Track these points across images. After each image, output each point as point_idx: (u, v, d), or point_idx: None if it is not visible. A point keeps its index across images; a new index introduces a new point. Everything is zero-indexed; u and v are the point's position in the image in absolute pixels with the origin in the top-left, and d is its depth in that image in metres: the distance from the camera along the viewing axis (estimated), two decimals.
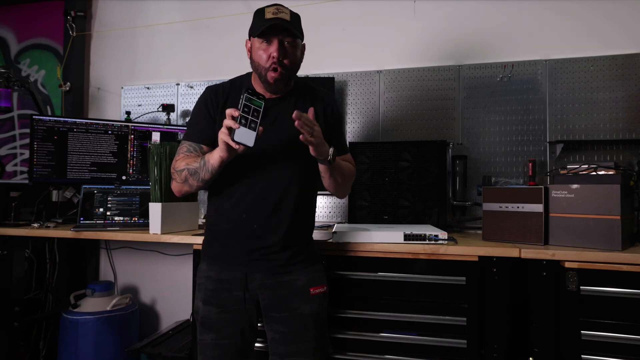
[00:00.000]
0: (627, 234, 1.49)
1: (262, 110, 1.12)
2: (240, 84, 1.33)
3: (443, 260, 1.53)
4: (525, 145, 2.14)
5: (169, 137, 2.41)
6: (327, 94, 1.42)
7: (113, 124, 2.32)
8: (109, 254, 2.70)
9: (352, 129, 2.38)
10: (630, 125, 2.02)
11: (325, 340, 1.36)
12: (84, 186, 2.08)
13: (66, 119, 2.24)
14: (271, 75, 1.23)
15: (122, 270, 2.71)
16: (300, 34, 1.25)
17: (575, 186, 1.52)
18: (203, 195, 2.24)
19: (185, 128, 2.00)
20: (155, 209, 1.81)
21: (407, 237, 1.55)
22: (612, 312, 1.40)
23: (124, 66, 2.80)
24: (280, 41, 1.21)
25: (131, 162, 2.35)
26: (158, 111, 2.61)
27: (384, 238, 1.57)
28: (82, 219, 2.04)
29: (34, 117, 2.18)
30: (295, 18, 1.26)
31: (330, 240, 1.60)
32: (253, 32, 1.24)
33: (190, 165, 1.23)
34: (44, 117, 2.20)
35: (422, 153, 1.96)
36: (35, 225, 2.08)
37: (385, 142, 2.11)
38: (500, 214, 1.65)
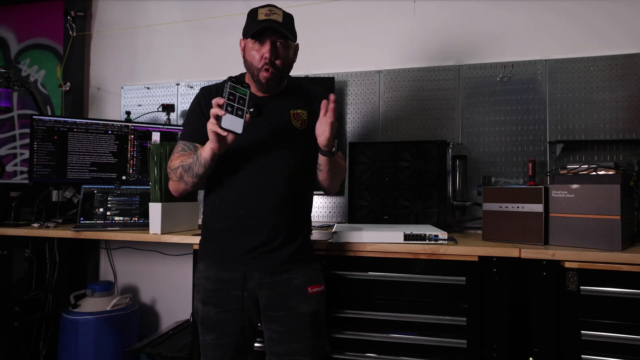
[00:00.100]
0: (627, 234, 1.49)
1: (247, 98, 1.14)
2: None
3: (443, 260, 1.53)
4: (525, 145, 2.14)
5: (169, 137, 2.41)
6: (321, 92, 1.43)
7: (113, 124, 2.32)
8: (109, 254, 2.70)
9: (352, 129, 2.38)
10: (630, 125, 2.02)
11: (323, 339, 1.36)
12: (84, 186, 2.08)
13: (66, 119, 2.24)
14: (263, 75, 1.25)
15: (122, 270, 2.71)
16: (292, 35, 1.27)
17: (575, 186, 1.52)
18: (203, 195, 2.24)
19: None
20: (155, 209, 1.81)
21: (407, 237, 1.55)
22: (612, 312, 1.40)
23: (124, 66, 2.80)
24: (272, 42, 1.23)
25: (131, 162, 2.35)
26: (158, 111, 2.61)
27: (384, 238, 1.57)
28: (82, 219, 2.04)
29: (34, 117, 2.18)
30: (288, 19, 1.27)
31: (330, 240, 1.60)
32: (246, 33, 1.26)
33: (185, 162, 1.25)
34: (44, 117, 2.20)
35: (422, 153, 1.96)
36: (35, 225, 2.08)
37: (385, 142, 2.11)
38: (500, 214, 1.65)
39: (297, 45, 1.33)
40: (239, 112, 1.12)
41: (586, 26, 2.11)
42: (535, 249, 1.47)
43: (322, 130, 1.24)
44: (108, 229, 1.99)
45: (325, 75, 2.35)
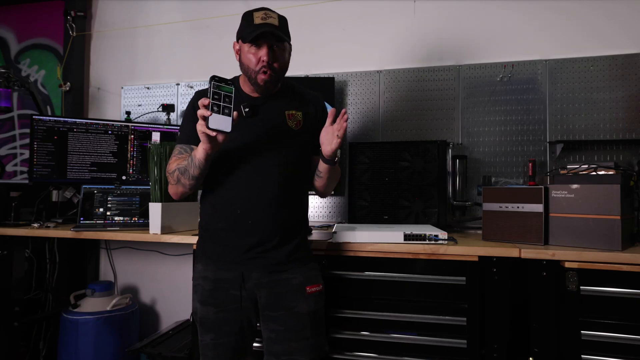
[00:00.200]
0: (627, 234, 1.49)
1: (233, 95, 1.14)
2: None
3: (443, 260, 1.53)
4: (525, 145, 2.14)
5: (169, 137, 2.41)
6: (315, 95, 1.45)
7: (113, 124, 2.32)
8: (109, 254, 2.70)
9: (352, 129, 2.38)
10: (630, 125, 2.02)
11: (322, 339, 1.36)
12: (84, 186, 2.08)
13: (66, 119, 2.24)
14: (261, 77, 1.26)
15: (122, 270, 2.71)
16: (288, 38, 1.29)
17: (575, 186, 1.52)
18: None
19: None
20: (155, 209, 1.81)
21: (407, 237, 1.55)
22: (612, 312, 1.40)
23: (124, 66, 2.80)
24: (269, 46, 1.25)
25: (131, 162, 2.35)
26: (158, 111, 2.61)
27: (384, 238, 1.57)
28: (82, 219, 2.04)
29: (34, 117, 2.18)
30: (283, 22, 1.29)
31: (330, 240, 1.60)
32: (243, 38, 1.27)
33: (181, 164, 1.26)
34: (44, 117, 2.20)
35: (422, 153, 1.96)
36: (35, 225, 2.08)
37: (385, 142, 2.11)
38: (500, 214, 1.65)
39: (291, 46, 1.35)
40: (226, 111, 1.12)
41: (586, 26, 2.11)
42: (535, 249, 1.47)
43: (329, 140, 1.26)
44: (108, 229, 1.99)
45: (325, 75, 2.35)
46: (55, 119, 2.22)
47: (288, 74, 1.36)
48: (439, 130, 2.26)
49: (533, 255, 1.45)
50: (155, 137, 2.40)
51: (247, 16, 1.27)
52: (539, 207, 1.58)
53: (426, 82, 2.29)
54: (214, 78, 1.13)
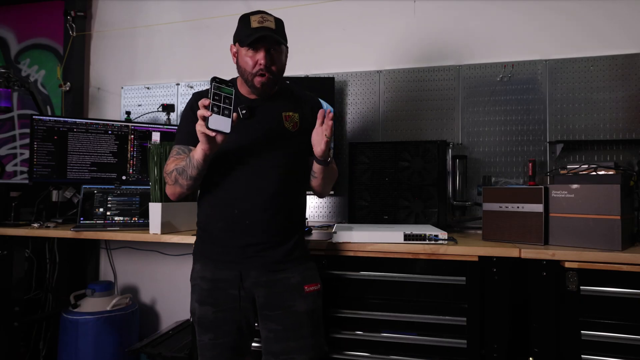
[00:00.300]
0: (627, 234, 1.49)
1: (233, 97, 1.15)
2: None
3: (443, 260, 1.53)
4: (525, 145, 2.14)
5: (169, 137, 2.41)
6: (311, 96, 1.46)
7: (113, 124, 2.32)
8: (109, 254, 2.70)
9: (352, 129, 2.38)
10: (630, 125, 2.02)
11: (320, 338, 1.36)
12: (84, 186, 2.08)
13: (66, 119, 2.24)
14: (258, 80, 1.27)
15: (122, 270, 2.71)
16: (285, 41, 1.30)
17: (575, 186, 1.52)
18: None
19: None
20: (155, 209, 1.81)
21: (407, 237, 1.55)
22: (612, 312, 1.40)
23: (124, 66, 2.80)
24: (267, 49, 1.25)
25: (131, 162, 2.35)
26: (158, 111, 2.61)
27: (384, 238, 1.57)
28: (82, 219, 2.04)
29: (34, 117, 2.18)
30: (280, 24, 1.29)
31: (330, 240, 1.60)
32: (240, 42, 1.27)
33: (179, 165, 1.26)
34: (44, 117, 2.20)
35: (422, 153, 1.96)
36: (35, 225, 2.08)
37: (385, 142, 2.11)
38: (500, 214, 1.65)
39: (288, 48, 1.35)
40: (226, 112, 1.13)
41: (586, 26, 2.11)
42: (535, 249, 1.47)
43: (318, 141, 1.27)
44: (108, 229, 1.99)
45: (325, 75, 2.35)
46: (55, 119, 2.22)
47: (288, 74, 1.37)
48: (439, 130, 2.26)
49: (533, 255, 1.45)
50: (155, 137, 2.40)
51: (244, 19, 1.28)
52: (539, 207, 1.58)
53: (426, 82, 2.29)
54: (214, 79, 1.13)
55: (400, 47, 2.35)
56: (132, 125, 2.36)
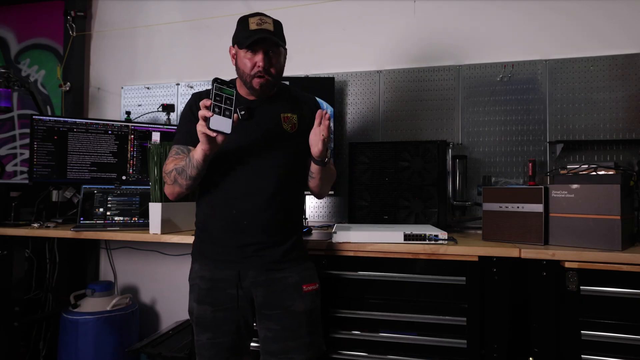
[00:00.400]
0: (627, 234, 1.49)
1: (234, 98, 1.16)
2: None
3: (443, 260, 1.53)
4: (525, 145, 2.13)
5: (169, 137, 2.41)
6: (310, 97, 1.47)
7: (113, 124, 2.32)
8: (109, 254, 2.70)
9: (352, 129, 2.38)
10: (630, 125, 2.02)
11: (319, 337, 1.37)
12: (84, 186, 2.08)
13: (66, 119, 2.24)
14: (257, 81, 1.28)
15: (122, 270, 2.71)
16: (283, 43, 1.30)
17: (575, 186, 1.52)
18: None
19: None
20: (155, 209, 1.81)
21: (407, 237, 1.55)
22: (612, 312, 1.40)
23: (124, 66, 2.80)
24: (265, 51, 1.26)
25: (131, 162, 2.35)
26: (158, 111, 2.61)
27: (383, 238, 1.57)
28: (82, 219, 2.04)
29: (34, 117, 2.18)
30: (278, 26, 1.30)
31: (330, 241, 1.60)
32: (239, 44, 1.28)
33: (178, 165, 1.27)
34: (44, 117, 2.20)
35: (422, 153, 1.96)
36: (35, 225, 2.08)
37: (385, 142, 2.11)
38: (500, 214, 1.65)
39: (286, 50, 1.35)
40: (227, 113, 1.13)
41: (586, 26, 2.11)
42: (535, 249, 1.47)
43: (316, 141, 1.28)
44: (108, 229, 1.99)
45: (325, 75, 2.35)
46: (55, 119, 2.22)
47: (288, 74, 1.37)
48: (439, 130, 2.26)
49: (533, 255, 1.45)
50: (155, 137, 2.40)
51: (243, 22, 1.28)
52: (539, 207, 1.58)
53: (426, 82, 2.29)
54: (216, 80, 1.14)
55: (400, 47, 2.35)
56: (132, 125, 2.36)
